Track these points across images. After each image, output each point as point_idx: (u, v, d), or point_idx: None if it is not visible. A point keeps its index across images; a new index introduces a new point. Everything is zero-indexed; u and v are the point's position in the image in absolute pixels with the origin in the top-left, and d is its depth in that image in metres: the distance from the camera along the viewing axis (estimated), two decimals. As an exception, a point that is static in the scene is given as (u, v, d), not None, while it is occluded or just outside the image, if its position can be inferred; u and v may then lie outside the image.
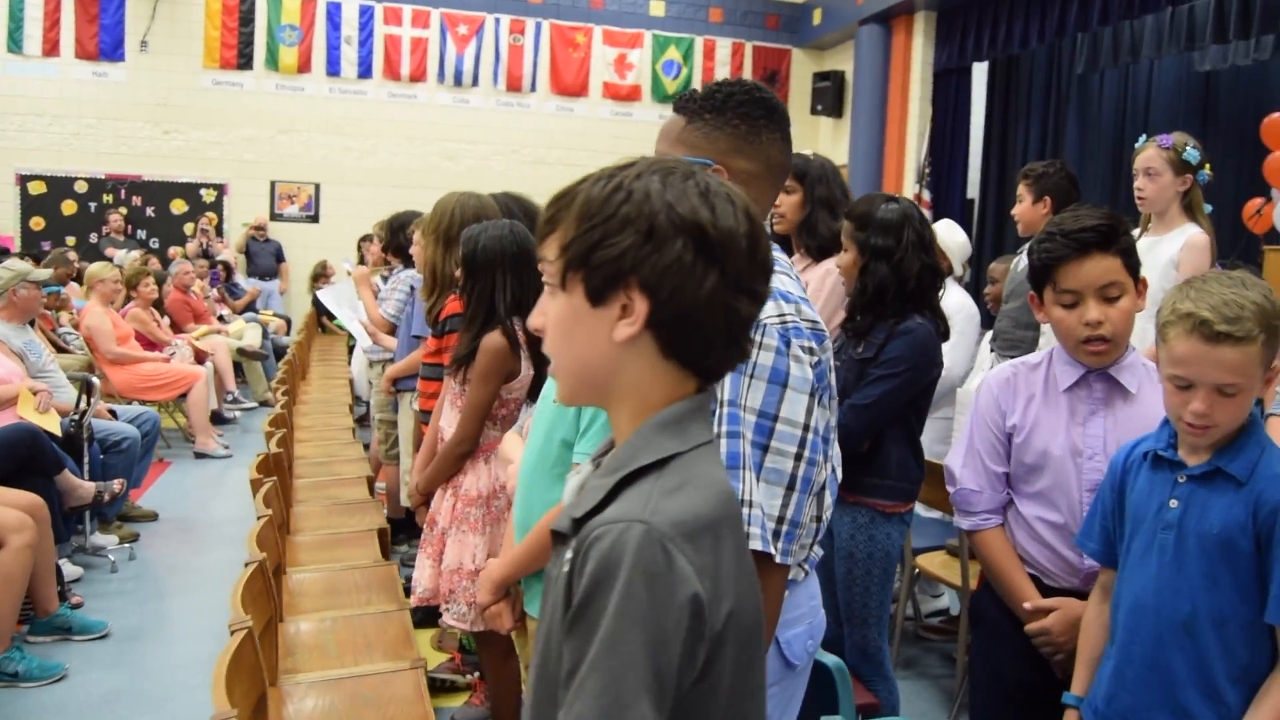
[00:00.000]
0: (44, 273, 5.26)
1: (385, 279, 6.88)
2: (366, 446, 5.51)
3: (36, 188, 11.60)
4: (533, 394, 2.85)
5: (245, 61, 11.76)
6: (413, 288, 4.37)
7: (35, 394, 4.54)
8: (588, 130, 12.57)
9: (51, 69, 11.39)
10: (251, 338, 8.83)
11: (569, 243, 1.07)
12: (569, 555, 1.04)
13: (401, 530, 4.69)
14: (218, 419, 7.61)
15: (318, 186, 12.14)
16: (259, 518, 3.01)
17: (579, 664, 0.98)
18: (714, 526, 1.03)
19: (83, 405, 4.68)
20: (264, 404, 8.66)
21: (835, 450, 1.68)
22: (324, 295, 5.85)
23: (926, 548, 3.92)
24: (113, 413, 5.24)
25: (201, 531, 5.38)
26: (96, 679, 3.61)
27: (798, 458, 1.48)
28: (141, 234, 11.75)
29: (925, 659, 4.06)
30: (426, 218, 4.22)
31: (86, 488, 4.33)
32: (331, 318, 10.66)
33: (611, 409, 1.14)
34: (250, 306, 10.79)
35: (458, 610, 2.76)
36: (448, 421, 2.85)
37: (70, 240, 11.37)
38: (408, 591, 3.16)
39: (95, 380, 4.81)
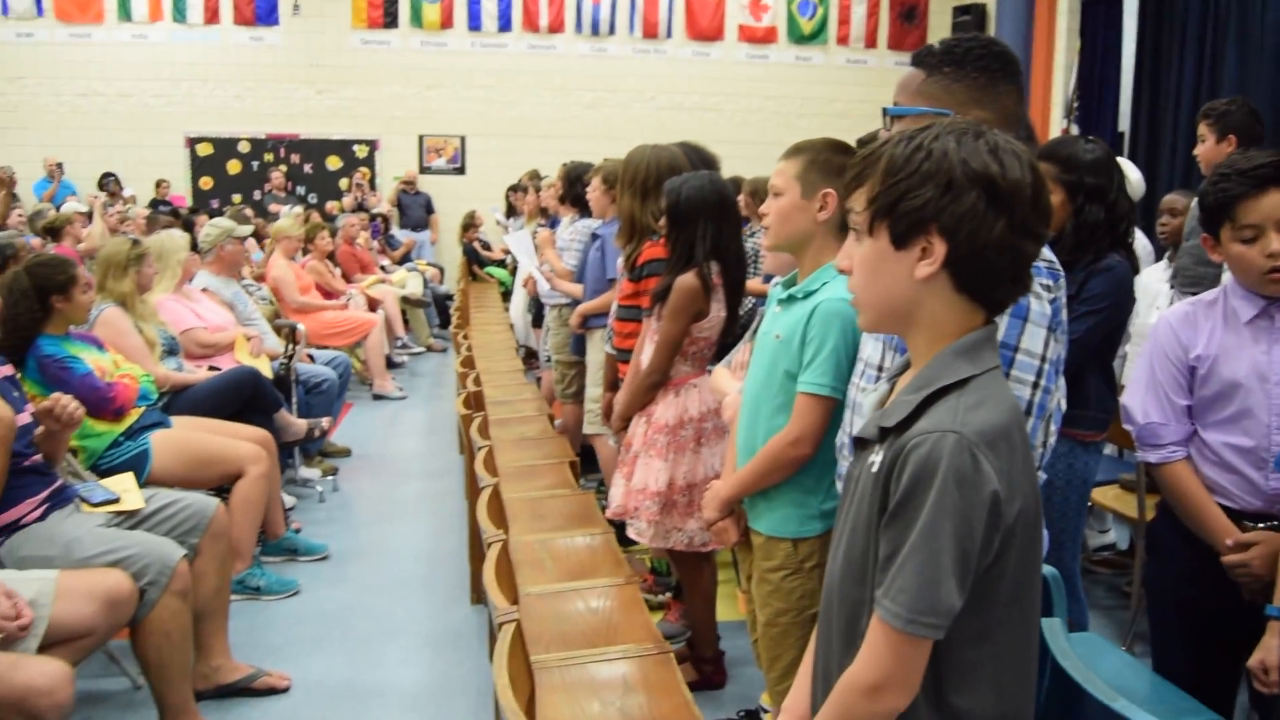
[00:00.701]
0: (248, 229, 5.71)
1: (543, 226, 7.19)
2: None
3: (204, 149, 12.32)
4: (727, 333, 3.06)
5: (391, 20, 12.18)
6: (594, 235, 4.60)
7: (249, 340, 4.98)
8: (724, 74, 12.61)
9: (213, 35, 12.02)
10: (414, 286, 9.29)
11: (876, 195, 1.28)
12: (878, 458, 1.26)
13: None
14: (389, 363, 8.08)
15: (463, 139, 12.55)
16: (479, 448, 3.30)
17: (899, 548, 1.20)
18: (1008, 436, 1.23)
19: (289, 350, 5.10)
20: (428, 349, 9.12)
21: (1062, 381, 1.84)
22: (510, 241, 6.15)
23: (1099, 482, 4.00)
24: (310, 357, 5.68)
25: (391, 466, 5.81)
26: (325, 594, 4.02)
27: (1035, 386, 1.64)
28: (300, 190, 12.37)
29: (1095, 591, 4.16)
30: (610, 169, 4.47)
31: (299, 424, 4.75)
32: (482, 265, 11.10)
33: (909, 337, 1.34)
34: (406, 257, 11.28)
35: (638, 526, 3.02)
36: (645, 355, 3.09)
37: (236, 198, 12.06)
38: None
39: (301, 327, 5.22)
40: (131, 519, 3.00)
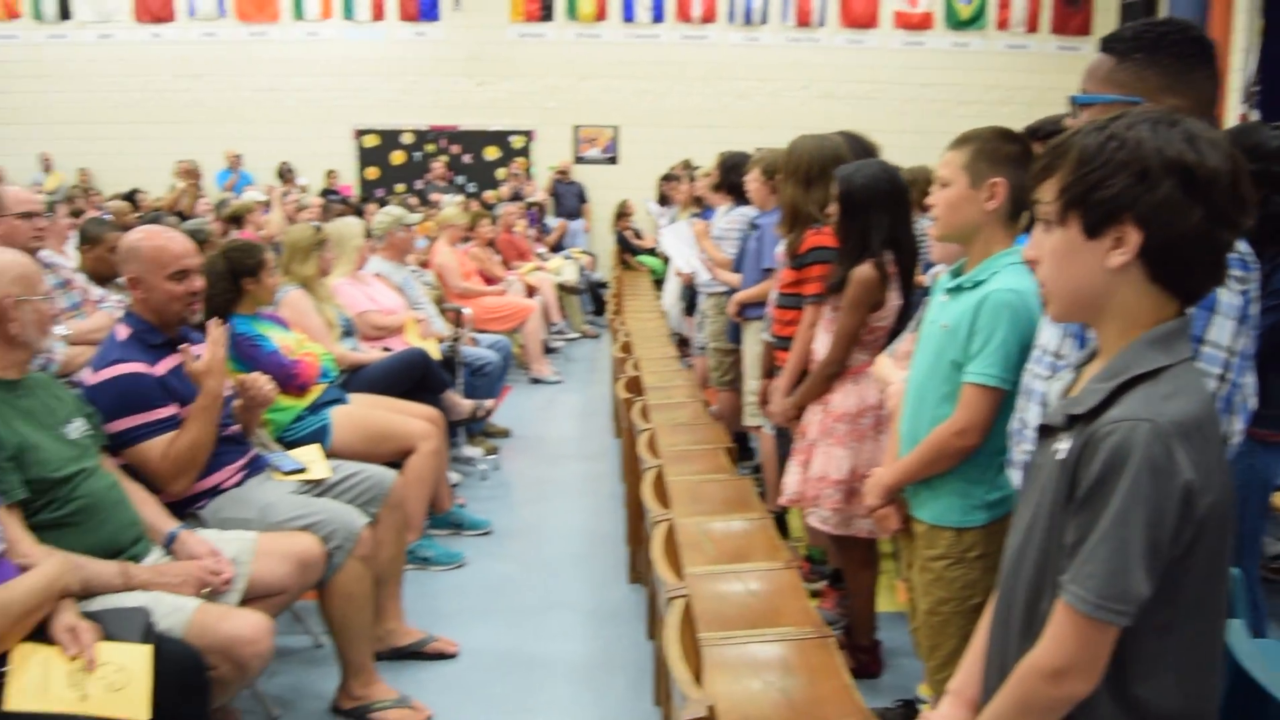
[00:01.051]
0: (416, 217, 5.96)
1: (696, 216, 7.25)
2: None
3: (370, 141, 12.86)
4: (902, 320, 3.06)
5: (547, 13, 12.44)
6: (753, 224, 4.63)
7: (418, 323, 5.21)
8: (879, 62, 12.41)
9: (379, 32, 12.53)
10: (569, 274, 9.50)
11: (1067, 185, 1.28)
12: (1065, 446, 1.27)
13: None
14: (545, 349, 8.30)
15: (616, 129, 12.73)
16: (641, 431, 3.39)
17: (1088, 535, 1.21)
18: (1201, 428, 1.21)
19: (455, 333, 5.31)
20: (582, 335, 9.31)
21: (1252, 377, 1.78)
22: (665, 235, 6.26)
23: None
24: (474, 340, 5.90)
25: (548, 447, 5.98)
26: (488, 567, 4.19)
27: (1221, 379, 1.60)
28: (460, 180, 12.79)
29: (1272, 601, 3.97)
30: (770, 159, 4.49)
31: (465, 405, 4.95)
32: (634, 253, 11.25)
33: (1099, 326, 1.33)
34: (559, 245, 11.53)
35: (820, 514, 3.04)
36: (821, 345, 3.11)
37: (399, 188, 12.58)
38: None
39: (467, 310, 5.43)
40: (318, 487, 3.20)
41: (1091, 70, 1.80)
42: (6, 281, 2.36)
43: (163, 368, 2.86)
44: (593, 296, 10.57)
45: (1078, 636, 1.22)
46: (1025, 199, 2.17)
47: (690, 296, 7.10)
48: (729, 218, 5.25)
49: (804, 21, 12.35)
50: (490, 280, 7.82)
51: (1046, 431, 1.36)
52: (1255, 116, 9.82)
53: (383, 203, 9.77)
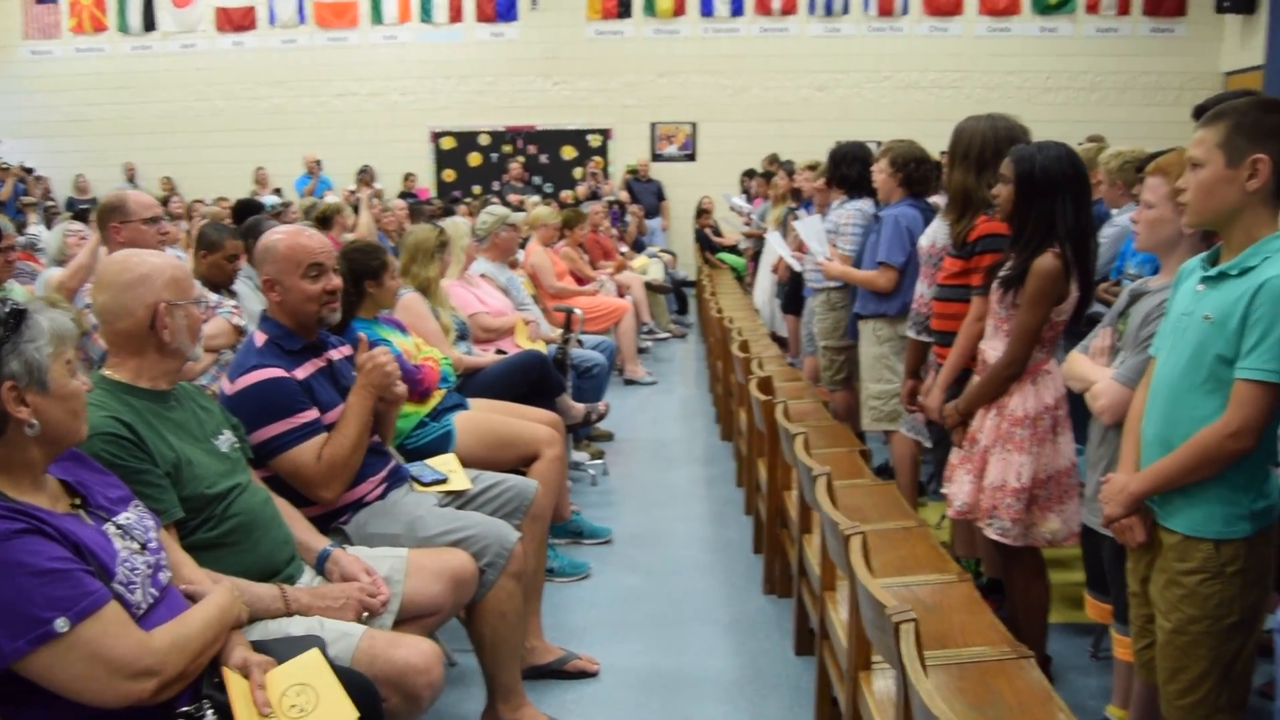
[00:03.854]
0: (520, 216, 5.83)
1: (792, 210, 7.04)
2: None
3: (447, 143, 12.83)
4: (1078, 316, 2.83)
5: (625, 10, 12.30)
6: (877, 216, 4.42)
7: (527, 324, 5.07)
8: (962, 50, 12.08)
9: (456, 34, 12.49)
10: (655, 272, 9.34)
11: None
12: None
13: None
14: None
15: (694, 126, 12.55)
16: (794, 435, 3.19)
17: None
18: None
19: (567, 335, 5.16)
20: (671, 335, 9.14)
21: None
22: (773, 240, 6.08)
23: None
24: (579, 341, 5.75)
25: (655, 450, 5.81)
26: (615, 578, 4.02)
27: None
28: (537, 180, 12.70)
29: None
30: (899, 150, 4.28)
31: (578, 408, 4.79)
32: (714, 251, 11.05)
33: None
34: (639, 243, 11.37)
35: (1000, 525, 2.81)
36: (989, 344, 2.89)
37: (476, 189, 12.52)
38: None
39: (579, 312, 5.28)
40: (459, 499, 3.05)
41: None
42: (159, 286, 2.24)
43: (302, 373, 2.73)
44: (677, 295, 10.39)
45: None
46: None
47: (785, 294, 6.91)
48: (843, 211, 5.03)
49: (886, 10, 12.05)
50: (581, 280, 7.67)
51: None
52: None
53: (453, 204, 9.70)
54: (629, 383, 7.42)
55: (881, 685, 2.38)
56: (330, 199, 9.54)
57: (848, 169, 5.07)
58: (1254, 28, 10.83)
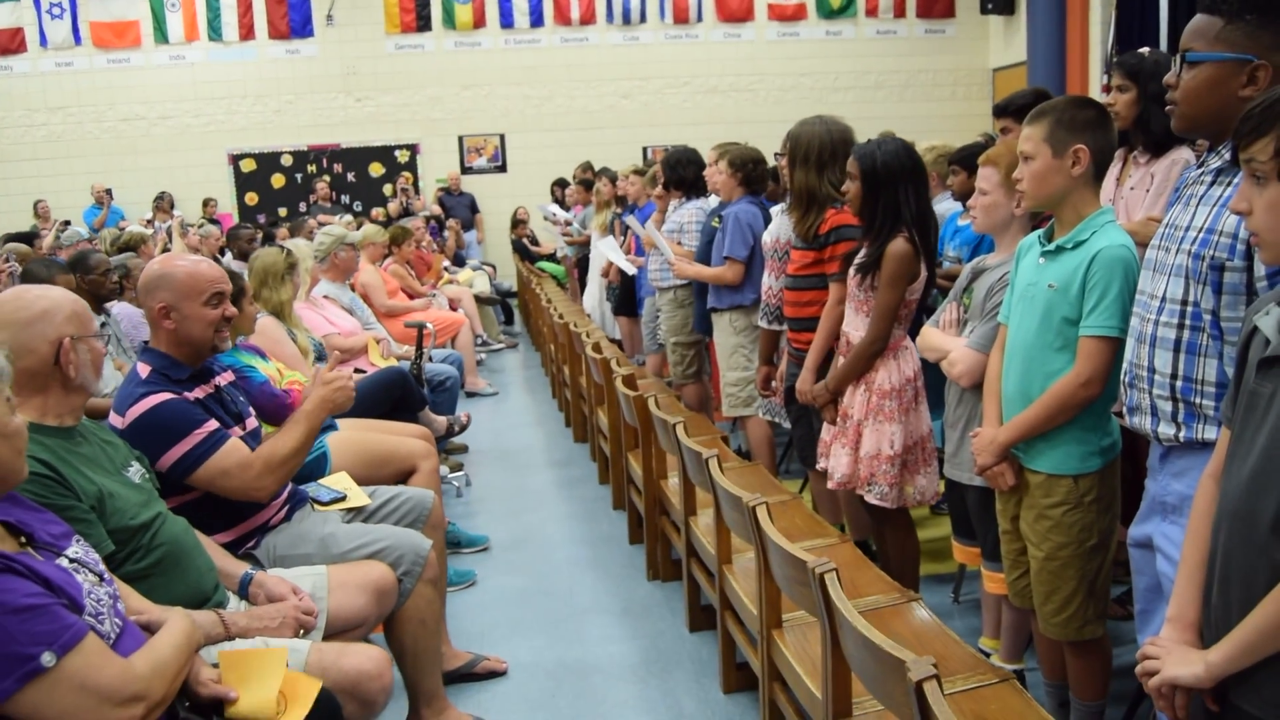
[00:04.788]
0: (358, 235, 5.79)
1: (617, 215, 7.27)
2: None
3: (247, 165, 12.42)
4: (925, 294, 3.15)
5: (424, 23, 12.25)
6: (719, 215, 4.68)
7: (378, 342, 5.07)
8: (756, 54, 12.67)
9: (249, 52, 12.11)
10: (481, 285, 9.38)
11: None
12: None
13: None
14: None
15: (503, 137, 12.63)
16: (673, 424, 3.38)
17: None
18: None
19: (421, 350, 5.18)
20: (504, 345, 9.19)
21: None
22: (605, 247, 6.29)
23: None
24: (429, 356, 5.76)
25: (513, 458, 5.89)
26: (502, 582, 4.11)
27: None
28: (345, 199, 12.46)
29: None
30: (736, 152, 4.56)
31: (440, 421, 4.84)
32: (532, 260, 11.18)
33: None
34: (458, 257, 11.36)
35: (879, 490, 3.09)
36: (852, 325, 3.16)
37: (281, 211, 12.17)
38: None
39: (430, 326, 5.31)
40: (360, 514, 3.08)
41: (1199, 30, 1.89)
42: (61, 320, 2.20)
43: (193, 397, 2.71)
44: (503, 306, 10.46)
45: None
46: (1106, 159, 2.29)
47: (615, 296, 7.13)
48: (685, 210, 5.29)
49: (681, 19, 12.50)
50: (413, 296, 7.65)
51: (1273, 363, 1.44)
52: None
53: (262, 228, 9.43)
54: (470, 395, 7.45)
55: (793, 640, 2.60)
56: (133, 228, 9.11)
57: (684, 171, 5.33)
58: (1015, 27, 11.87)
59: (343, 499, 3.10)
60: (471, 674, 3.29)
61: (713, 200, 5.16)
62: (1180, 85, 1.90)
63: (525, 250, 11.56)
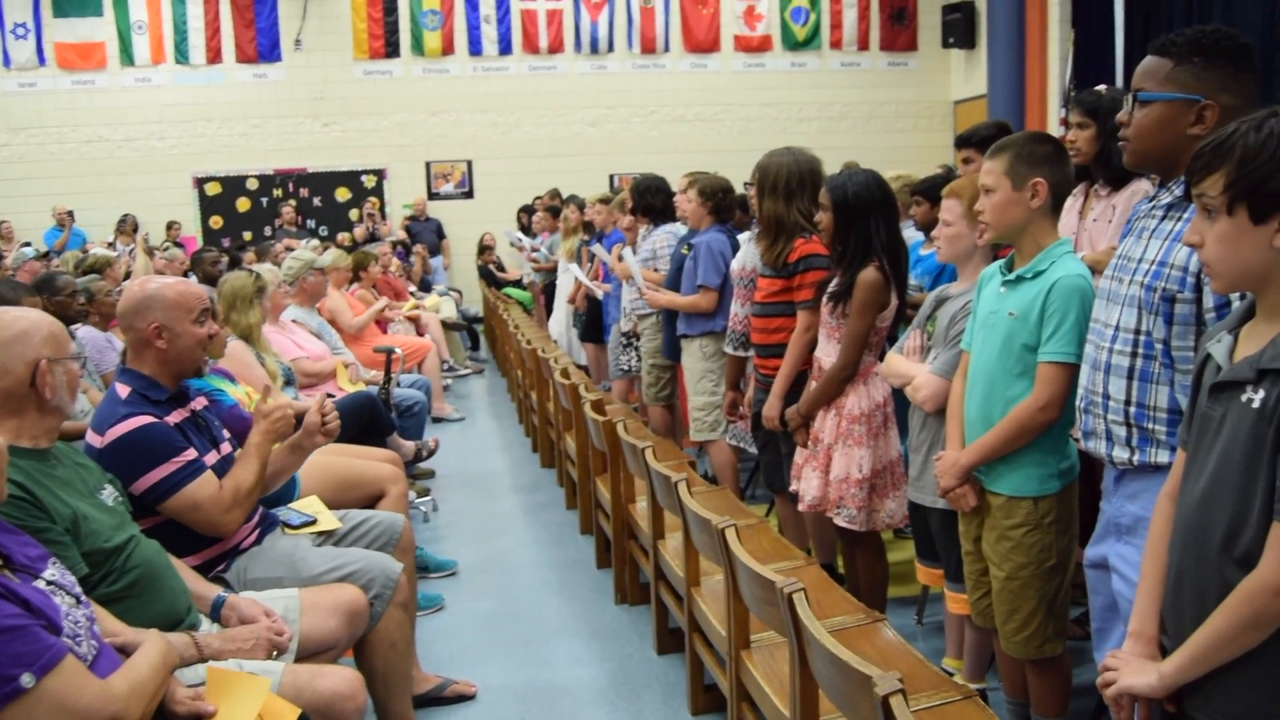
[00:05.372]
0: (327, 260, 5.81)
1: (585, 242, 7.34)
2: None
3: (212, 188, 12.36)
4: (896, 323, 3.23)
5: (393, 50, 12.29)
6: (689, 243, 4.74)
7: (346, 367, 5.08)
8: (722, 85, 12.83)
9: (216, 75, 12.08)
10: (447, 310, 9.39)
11: (1234, 180, 1.47)
12: (1259, 396, 1.43)
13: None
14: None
15: (470, 163, 12.67)
16: (642, 449, 3.43)
17: None
18: None
19: (389, 375, 5.19)
20: (471, 371, 9.20)
21: None
22: (575, 271, 6.35)
23: None
24: (398, 382, 5.77)
25: (480, 483, 5.90)
26: (470, 606, 4.12)
27: None
28: (311, 223, 12.44)
29: None
30: (706, 181, 4.63)
31: (409, 446, 4.85)
32: (499, 286, 11.21)
33: (1262, 294, 1.52)
34: (424, 281, 11.36)
35: (848, 513, 3.15)
36: (824, 352, 3.23)
37: (246, 235, 12.10)
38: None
39: (399, 351, 5.33)
40: (331, 538, 3.10)
41: (1149, 71, 1.98)
42: (38, 342, 2.21)
43: (172, 420, 2.73)
44: (469, 332, 10.47)
45: None
46: (1064, 192, 2.38)
47: (582, 323, 7.19)
48: (656, 236, 5.36)
49: (648, 49, 12.64)
50: (379, 322, 7.65)
51: (1222, 388, 1.51)
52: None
53: (236, 252, 9.40)
54: (437, 420, 7.45)
55: (761, 660, 2.64)
56: (98, 251, 9.04)
57: (653, 199, 5.41)
58: (976, 61, 12.13)
59: (313, 522, 3.11)
60: (441, 697, 3.30)
61: (682, 226, 5.23)
62: (1132, 123, 1.99)
63: (491, 276, 11.59)
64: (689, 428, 4.77)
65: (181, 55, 11.93)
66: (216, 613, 2.49)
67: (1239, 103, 1.92)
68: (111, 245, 10.76)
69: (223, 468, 2.82)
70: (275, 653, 2.39)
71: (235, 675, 2.07)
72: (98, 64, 11.71)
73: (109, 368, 4.71)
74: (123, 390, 2.72)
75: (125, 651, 1.94)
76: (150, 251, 8.42)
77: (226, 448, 2.93)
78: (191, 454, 2.64)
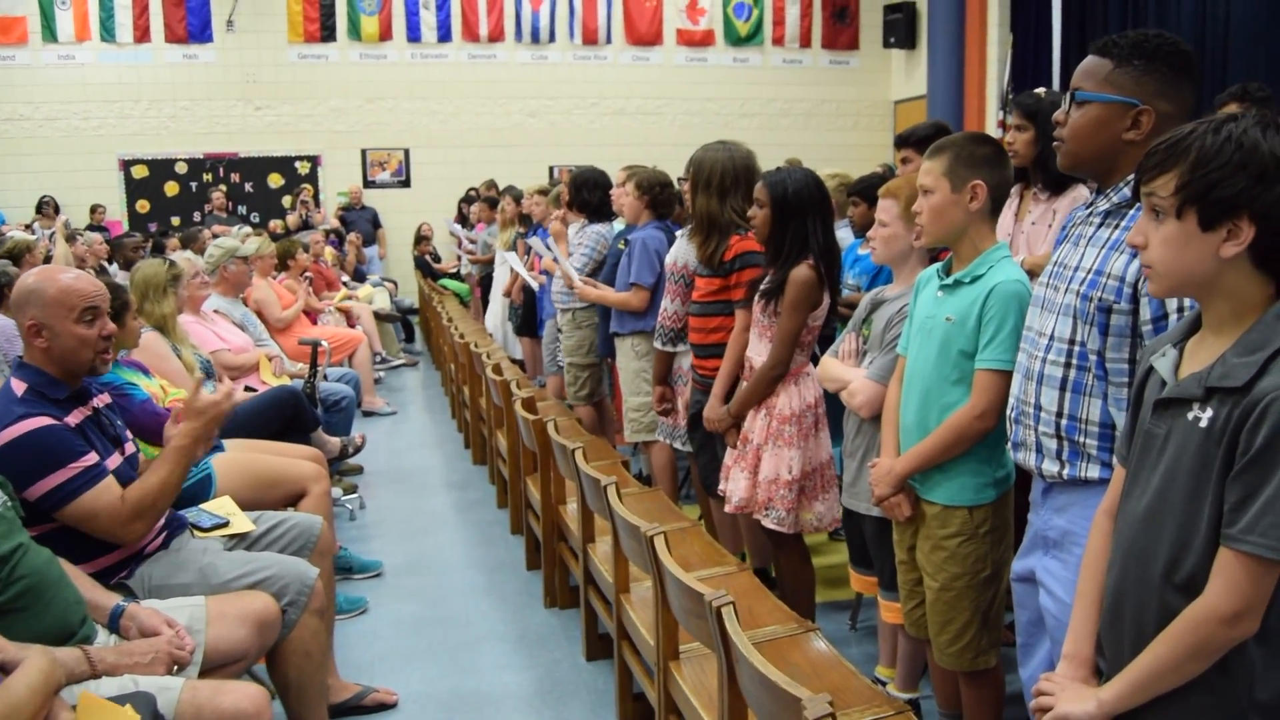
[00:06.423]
0: (250, 248, 5.61)
1: (521, 235, 7.21)
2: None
3: (139, 171, 11.99)
4: (827, 323, 3.17)
5: (328, 33, 12.02)
6: (625, 239, 4.65)
7: (270, 360, 4.90)
8: (664, 78, 12.75)
9: (144, 55, 11.71)
10: (381, 301, 9.19)
11: (1186, 183, 1.40)
12: (1206, 414, 1.37)
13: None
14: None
15: (407, 152, 12.44)
16: (572, 449, 3.33)
17: (1257, 491, 1.31)
18: None
19: (315, 368, 5.03)
20: (404, 363, 9.02)
21: None
22: (511, 260, 6.22)
23: None
24: (324, 375, 5.60)
25: (410, 480, 5.76)
26: (395, 609, 3.99)
27: None
28: (242, 209, 12.12)
29: None
30: (644, 175, 4.54)
31: (334, 442, 4.70)
32: (435, 278, 11.04)
33: (1207, 304, 1.46)
34: (358, 271, 11.13)
35: (776, 515, 3.09)
36: (755, 351, 3.16)
37: (175, 220, 11.78)
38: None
39: (325, 344, 5.16)
40: (244, 541, 2.96)
41: (1089, 70, 1.92)
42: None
43: (72, 421, 2.57)
44: (404, 324, 10.27)
45: (1255, 582, 1.33)
46: (1003, 195, 2.33)
47: (518, 316, 7.07)
48: (584, 234, 5.26)
49: (590, 40, 12.51)
50: (308, 313, 7.45)
51: (1167, 404, 1.46)
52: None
53: (160, 238, 9.12)
54: (368, 414, 7.28)
55: (690, 672, 2.56)
56: (14, 233, 8.69)
57: (589, 194, 5.29)
58: (916, 61, 12.19)
59: (225, 525, 2.98)
60: (359, 707, 3.18)
61: (616, 225, 5.13)
62: (1068, 123, 1.94)
63: (428, 267, 11.39)
64: (624, 428, 4.68)
65: (107, 33, 11.53)
66: (115, 623, 2.35)
67: (1176, 110, 1.87)
68: (30, 228, 10.37)
69: (126, 470, 2.67)
70: (176, 667, 2.26)
71: (107, 707, 1.93)
72: (18, 39, 11.27)
73: (19, 359, 4.49)
74: (19, 387, 2.55)
75: (4, 670, 1.80)
76: (71, 236, 8.08)
77: (130, 448, 2.79)
78: (92, 458, 2.48)
